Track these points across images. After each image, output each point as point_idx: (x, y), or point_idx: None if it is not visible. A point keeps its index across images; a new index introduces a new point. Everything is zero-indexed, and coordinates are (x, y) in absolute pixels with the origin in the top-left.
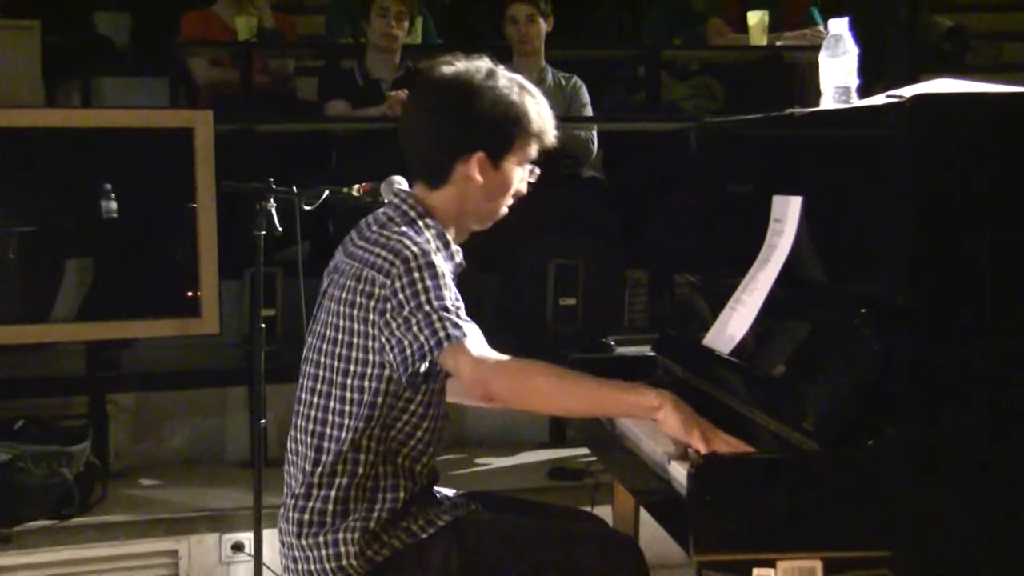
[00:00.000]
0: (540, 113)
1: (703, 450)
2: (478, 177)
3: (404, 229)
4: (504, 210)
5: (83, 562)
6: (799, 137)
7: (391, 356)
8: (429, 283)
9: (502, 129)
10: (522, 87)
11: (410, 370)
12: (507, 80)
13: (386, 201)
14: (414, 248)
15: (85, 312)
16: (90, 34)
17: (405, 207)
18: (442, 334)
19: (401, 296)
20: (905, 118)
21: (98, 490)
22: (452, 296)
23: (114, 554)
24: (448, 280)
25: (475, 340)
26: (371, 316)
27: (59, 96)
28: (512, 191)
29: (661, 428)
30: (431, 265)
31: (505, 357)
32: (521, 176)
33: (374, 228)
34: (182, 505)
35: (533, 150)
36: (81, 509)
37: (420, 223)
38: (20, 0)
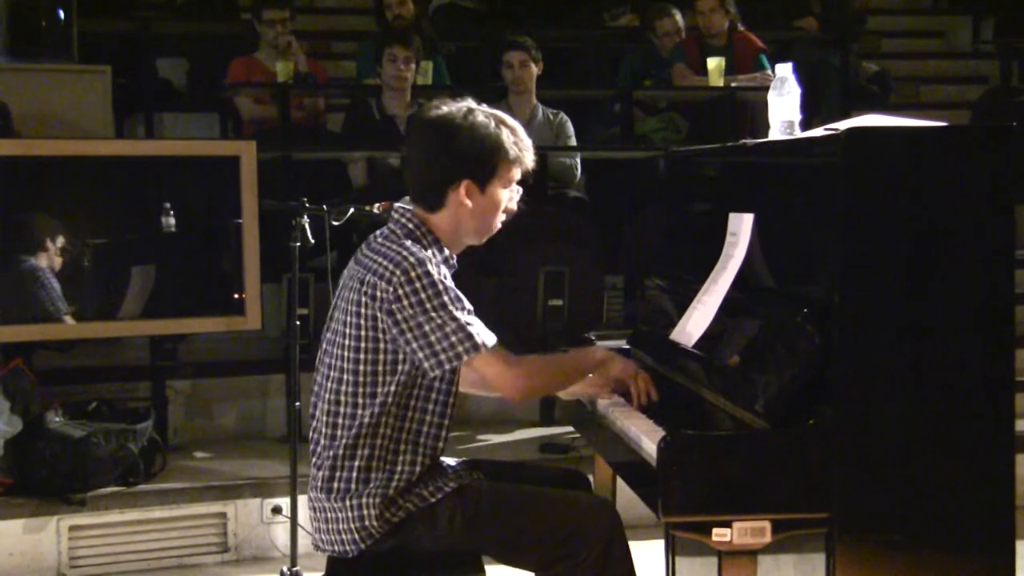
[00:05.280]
0: (516, 143)
1: (636, 382)
2: (467, 201)
3: (404, 242)
4: (497, 225)
5: (146, 522)
6: (751, 164)
7: (420, 355)
8: (430, 291)
9: (482, 159)
10: (500, 121)
11: (445, 367)
12: (484, 116)
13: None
14: (411, 259)
15: (148, 311)
16: (153, 77)
17: (404, 220)
18: (479, 339)
19: (406, 302)
20: (840, 147)
21: (159, 461)
22: (457, 301)
23: (172, 515)
24: (448, 284)
25: (501, 347)
26: (379, 316)
27: (126, 129)
28: (502, 209)
29: (610, 371)
30: (428, 274)
31: (518, 360)
32: (508, 196)
33: (379, 239)
34: (229, 474)
35: (515, 174)
36: (145, 477)
37: (418, 232)
38: (94, 49)
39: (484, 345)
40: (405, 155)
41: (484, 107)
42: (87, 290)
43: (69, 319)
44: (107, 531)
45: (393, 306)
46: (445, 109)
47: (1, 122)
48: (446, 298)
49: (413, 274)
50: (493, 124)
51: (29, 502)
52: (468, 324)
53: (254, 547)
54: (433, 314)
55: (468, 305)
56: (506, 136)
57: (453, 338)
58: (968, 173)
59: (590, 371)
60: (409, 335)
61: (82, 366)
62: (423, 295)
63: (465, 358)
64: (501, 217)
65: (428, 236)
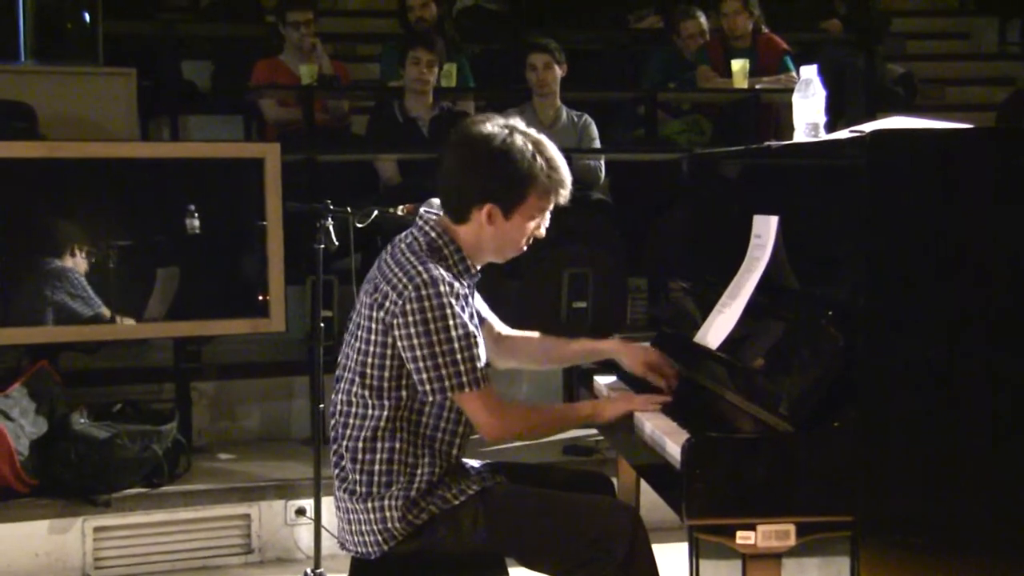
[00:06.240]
0: (550, 175)
1: (638, 409)
2: (489, 225)
3: (424, 258)
4: (521, 249)
5: (170, 524)
6: (776, 166)
7: (415, 377)
8: (437, 313)
9: (510, 187)
10: (538, 150)
11: (429, 398)
12: (523, 142)
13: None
14: (425, 276)
15: (173, 313)
16: (178, 79)
17: (428, 227)
18: (465, 378)
19: (410, 319)
20: (865, 149)
21: (183, 463)
22: (461, 328)
23: (196, 517)
24: (456, 309)
25: (488, 390)
26: (386, 324)
27: (151, 131)
28: (526, 237)
29: (604, 419)
30: (439, 295)
31: (501, 408)
32: (535, 225)
33: (402, 246)
34: (253, 476)
35: (546, 205)
36: (169, 479)
37: (440, 243)
38: (119, 51)
39: (471, 384)
40: (438, 160)
41: (531, 132)
42: (112, 292)
43: (105, 310)
44: (132, 532)
45: (396, 320)
46: (487, 128)
47: (26, 124)
48: (451, 323)
49: (424, 292)
50: (530, 153)
51: (54, 503)
52: (464, 360)
53: (278, 549)
54: (434, 337)
55: (473, 331)
56: (540, 168)
57: (443, 371)
58: (993, 175)
59: (580, 423)
60: (405, 354)
61: (107, 368)
62: (428, 315)
63: (449, 394)
64: (526, 242)
65: (450, 246)
